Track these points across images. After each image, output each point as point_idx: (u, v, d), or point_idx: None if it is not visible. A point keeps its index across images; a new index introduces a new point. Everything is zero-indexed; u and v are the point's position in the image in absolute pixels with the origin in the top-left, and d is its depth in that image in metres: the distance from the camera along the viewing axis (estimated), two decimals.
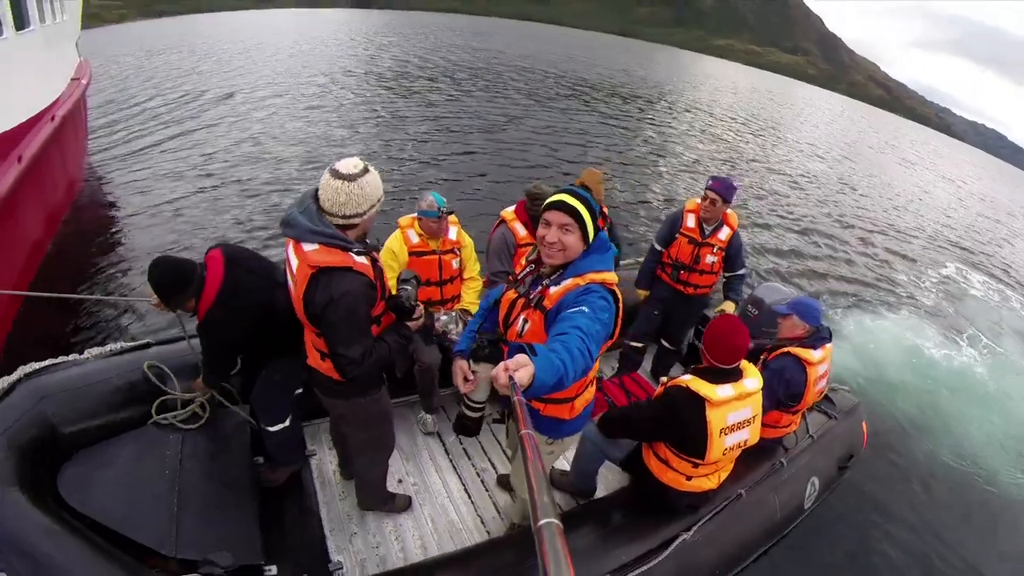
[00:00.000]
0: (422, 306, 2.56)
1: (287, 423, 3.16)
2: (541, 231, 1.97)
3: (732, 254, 4.26)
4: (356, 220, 2.16)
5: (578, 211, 1.93)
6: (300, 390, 3.09)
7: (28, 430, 2.67)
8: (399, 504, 3.43)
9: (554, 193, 2.00)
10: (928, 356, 7.89)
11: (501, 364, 1.35)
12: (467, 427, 2.27)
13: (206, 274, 2.60)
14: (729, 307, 4.27)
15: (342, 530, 3.30)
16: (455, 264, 3.70)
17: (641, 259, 4.71)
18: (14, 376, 2.89)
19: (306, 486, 3.46)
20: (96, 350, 3.28)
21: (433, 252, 3.60)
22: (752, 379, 2.73)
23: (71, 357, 3.17)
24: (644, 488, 3.02)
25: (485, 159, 13.49)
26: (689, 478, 2.83)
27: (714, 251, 4.20)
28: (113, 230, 8.03)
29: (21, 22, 7.06)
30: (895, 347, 7.79)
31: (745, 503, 3.27)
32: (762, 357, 3.45)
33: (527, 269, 2.16)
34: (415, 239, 3.53)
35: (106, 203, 9.00)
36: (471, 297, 3.81)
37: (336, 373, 2.38)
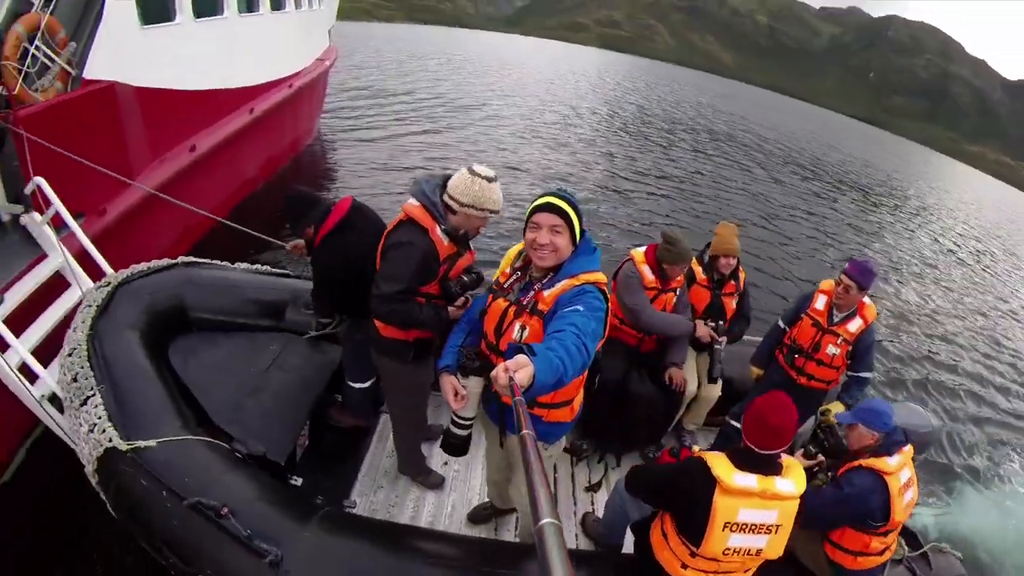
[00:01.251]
0: (468, 298, 2.69)
1: (367, 384, 3.58)
2: (530, 234, 1.99)
3: (860, 351, 3.69)
4: (459, 208, 2.43)
5: (567, 212, 1.96)
6: None
7: (166, 301, 3.42)
8: (431, 480, 3.63)
9: (543, 195, 2.03)
10: None
11: (501, 365, 1.36)
12: (455, 446, 2.17)
13: (332, 210, 3.05)
14: (838, 408, 3.69)
15: (372, 480, 3.63)
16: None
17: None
18: (175, 260, 3.70)
19: (365, 435, 3.89)
20: (244, 265, 4.02)
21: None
22: (789, 481, 2.19)
23: (223, 263, 3.93)
24: (641, 560, 2.65)
25: (708, 223, 12.50)
26: (684, 566, 2.37)
27: (838, 342, 3.68)
28: (316, 188, 9.38)
29: (277, 4, 8.57)
30: None
31: None
32: (830, 474, 3.03)
33: (513, 276, 2.16)
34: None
35: (321, 164, 10.61)
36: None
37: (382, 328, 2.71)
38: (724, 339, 3.87)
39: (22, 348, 3.45)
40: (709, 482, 2.16)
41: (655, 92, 40.25)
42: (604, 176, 14.24)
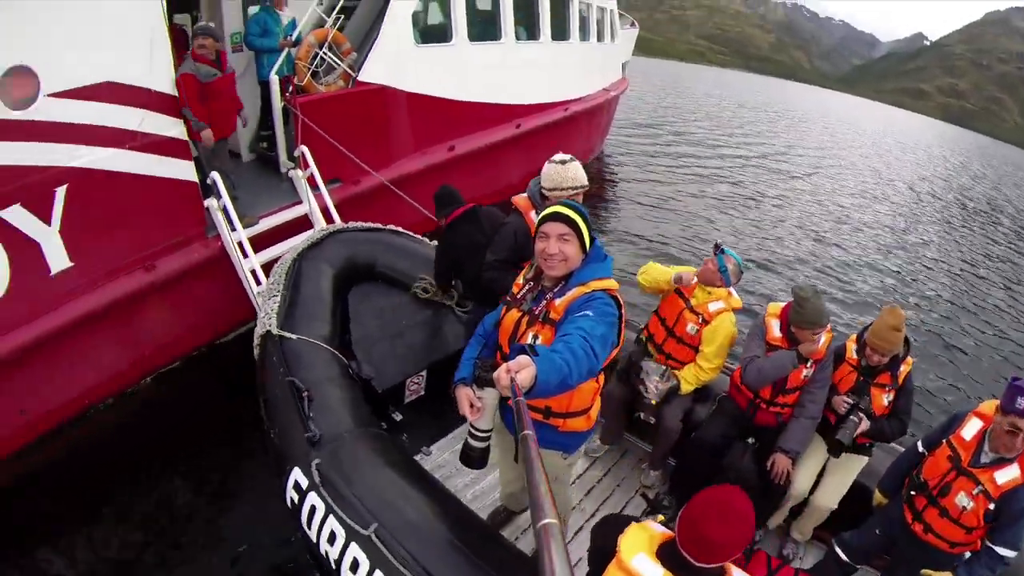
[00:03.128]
0: None
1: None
2: (539, 244, 2.00)
3: (1007, 514, 2.48)
4: (548, 193, 2.87)
5: (574, 220, 1.96)
6: None
7: (361, 252, 4.32)
8: None
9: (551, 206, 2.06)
10: None
11: (503, 366, 1.38)
12: (473, 458, 2.20)
13: (460, 206, 3.69)
14: None
15: (453, 442, 3.91)
16: (691, 329, 3.32)
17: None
18: (381, 226, 4.61)
19: None
20: (391, 227, 4.71)
21: (686, 302, 3.34)
22: None
23: (415, 235, 4.71)
24: None
25: None
26: None
27: (975, 493, 2.51)
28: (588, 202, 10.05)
29: (560, 35, 9.55)
30: None
31: None
32: None
33: (526, 287, 2.16)
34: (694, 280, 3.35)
35: (600, 181, 11.22)
36: (690, 376, 3.37)
37: None
38: (865, 420, 3.01)
39: (256, 260, 4.73)
40: (610, 553, 1.68)
41: (1009, 180, 30.65)
42: (956, 283, 11.26)
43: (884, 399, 3.08)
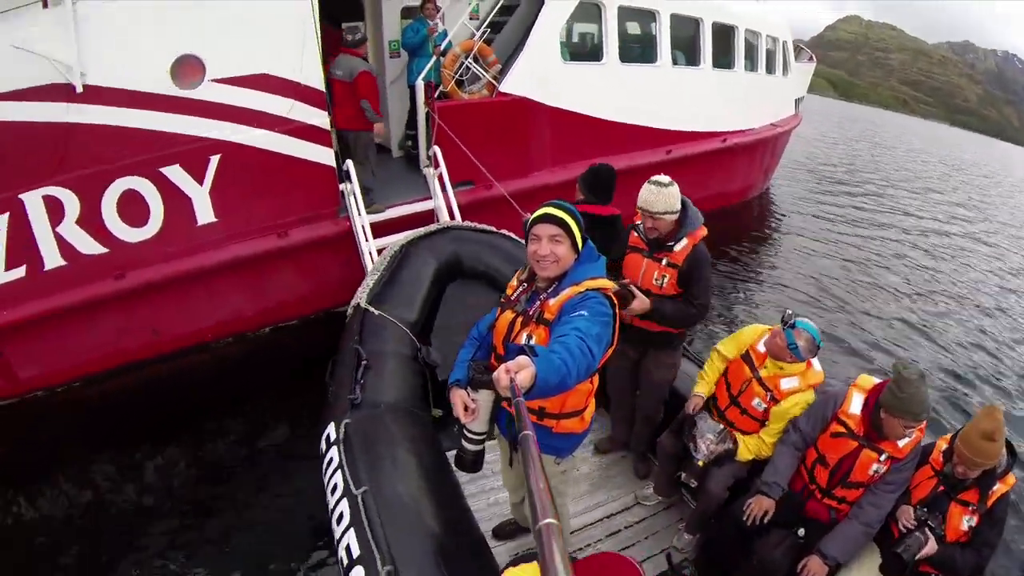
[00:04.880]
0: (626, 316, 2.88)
1: None
2: (531, 246, 2.01)
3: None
4: (641, 212, 2.85)
5: (565, 221, 1.98)
6: None
7: (465, 251, 4.48)
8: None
9: (542, 207, 2.07)
10: None
11: (502, 366, 1.38)
12: (467, 461, 2.16)
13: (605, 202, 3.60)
14: None
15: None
16: (757, 404, 2.87)
17: None
18: (484, 227, 4.74)
19: None
20: (504, 232, 4.77)
21: (753, 371, 2.90)
22: None
23: (516, 238, 4.72)
24: None
25: None
26: None
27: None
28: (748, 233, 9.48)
29: (724, 63, 9.17)
30: None
31: None
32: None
33: (519, 288, 2.17)
34: (760, 347, 2.91)
35: (761, 214, 10.34)
36: (751, 445, 2.90)
37: None
38: (932, 541, 2.40)
39: (375, 243, 4.96)
40: None
41: None
42: None
43: (964, 522, 2.45)
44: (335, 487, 2.54)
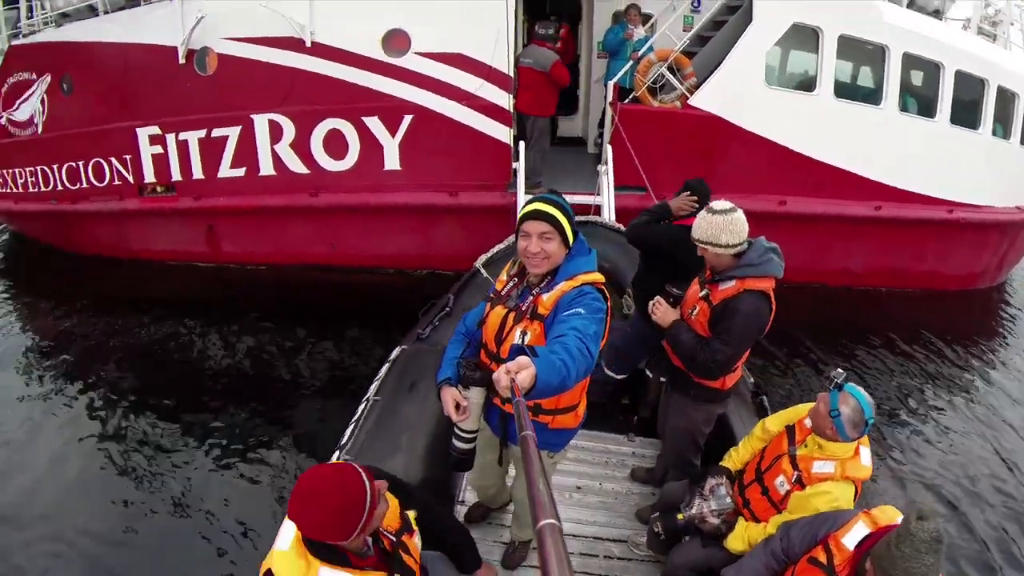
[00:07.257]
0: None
1: (618, 377, 3.78)
2: (522, 243, 1.98)
3: None
4: (699, 245, 2.56)
5: (555, 217, 1.94)
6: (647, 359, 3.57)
7: (594, 247, 4.65)
8: None
9: (530, 201, 2.05)
10: None
11: (503, 367, 1.40)
12: (459, 460, 2.14)
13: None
14: None
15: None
16: (779, 484, 2.39)
17: None
18: (603, 222, 4.90)
19: None
20: None
21: (790, 446, 2.42)
22: None
23: None
24: None
25: None
26: None
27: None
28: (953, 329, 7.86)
29: (966, 122, 7.96)
30: None
31: None
32: None
33: (510, 283, 2.15)
34: (807, 421, 2.42)
35: (985, 313, 8.69)
36: (753, 535, 2.43)
37: None
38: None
39: None
40: None
41: None
42: None
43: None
44: (366, 391, 3.12)
